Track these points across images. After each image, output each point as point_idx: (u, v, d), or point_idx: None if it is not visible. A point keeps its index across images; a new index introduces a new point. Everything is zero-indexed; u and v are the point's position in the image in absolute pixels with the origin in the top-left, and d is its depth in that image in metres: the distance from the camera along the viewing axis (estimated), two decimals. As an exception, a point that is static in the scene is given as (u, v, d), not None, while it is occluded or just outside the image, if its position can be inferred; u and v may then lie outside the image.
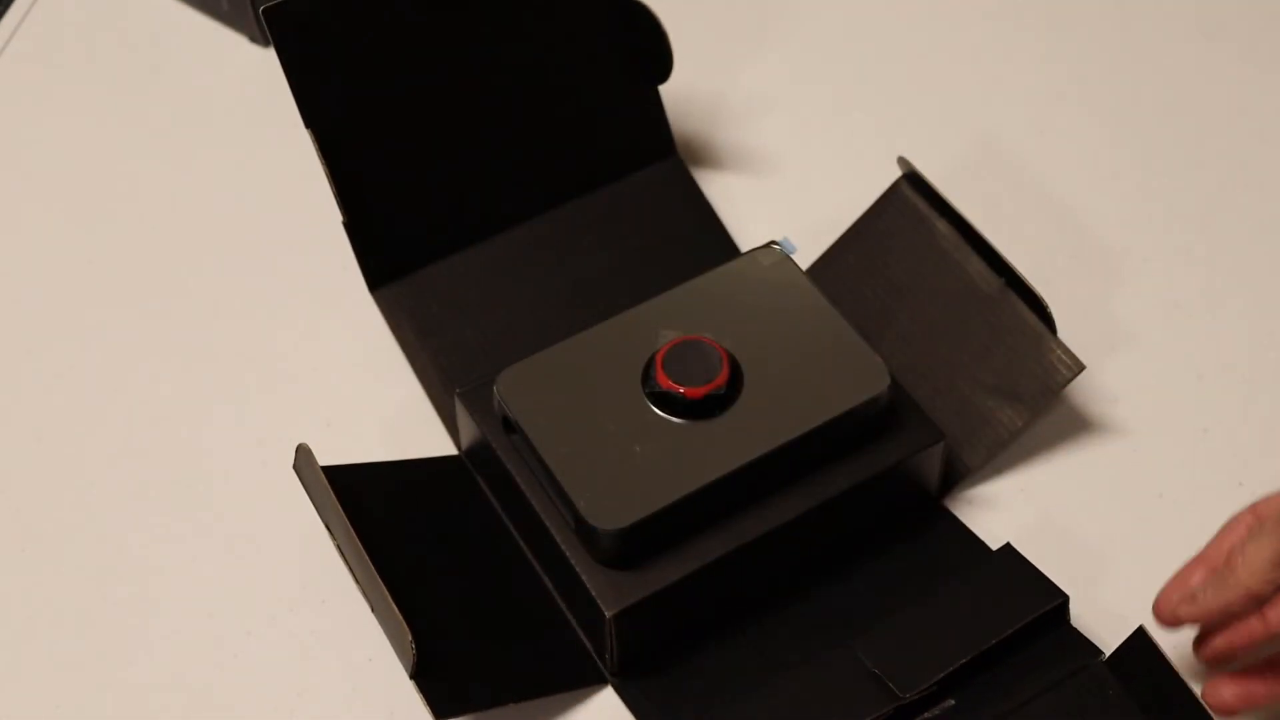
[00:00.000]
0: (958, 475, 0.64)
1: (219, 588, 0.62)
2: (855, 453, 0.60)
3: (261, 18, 0.63)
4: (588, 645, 0.59)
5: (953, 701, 0.55)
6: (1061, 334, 0.63)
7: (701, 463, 0.57)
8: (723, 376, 0.59)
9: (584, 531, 0.56)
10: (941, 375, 0.65)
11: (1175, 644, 0.56)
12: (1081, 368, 0.62)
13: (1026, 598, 0.57)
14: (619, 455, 0.57)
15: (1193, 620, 0.54)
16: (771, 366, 0.60)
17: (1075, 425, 0.66)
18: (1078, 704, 0.55)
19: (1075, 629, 0.57)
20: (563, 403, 0.59)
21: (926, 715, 0.55)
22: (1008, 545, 0.59)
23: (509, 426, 0.60)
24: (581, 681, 0.58)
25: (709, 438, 0.58)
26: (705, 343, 0.60)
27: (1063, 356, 0.62)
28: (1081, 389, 0.66)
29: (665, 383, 0.58)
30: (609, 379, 0.60)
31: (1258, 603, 0.52)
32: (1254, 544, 0.52)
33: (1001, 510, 0.63)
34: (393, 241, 0.68)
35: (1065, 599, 0.57)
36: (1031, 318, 0.63)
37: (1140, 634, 0.54)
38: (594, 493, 0.56)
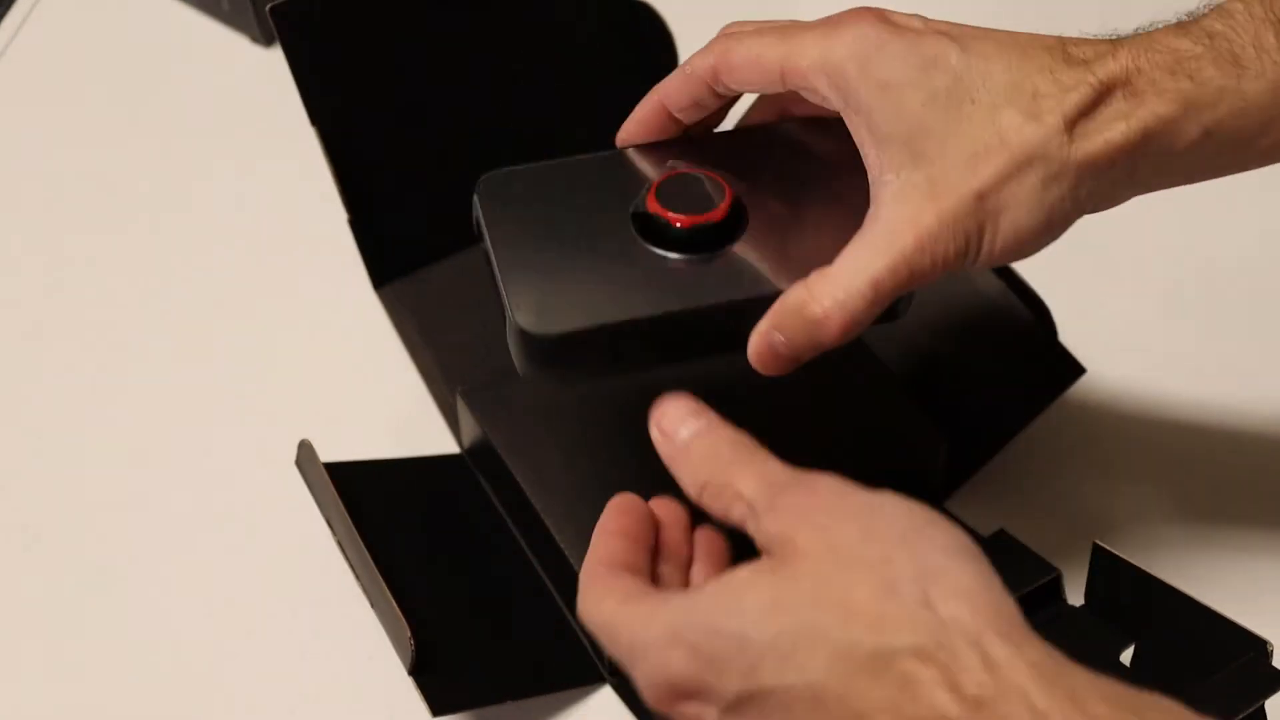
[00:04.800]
0: (958, 478, 0.64)
1: (219, 588, 0.62)
2: (855, 456, 0.59)
3: (267, 16, 0.63)
4: (586, 645, 0.59)
5: None
6: (1061, 333, 0.63)
7: (666, 294, 0.51)
8: (719, 211, 0.52)
9: (517, 337, 0.52)
10: (943, 377, 0.65)
11: (1145, 557, 0.55)
12: (1082, 371, 0.62)
13: (1018, 574, 0.56)
14: (579, 271, 0.52)
15: None
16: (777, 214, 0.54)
17: (1075, 427, 0.66)
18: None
19: (1073, 606, 0.57)
20: (540, 215, 0.54)
21: None
22: (1000, 530, 0.59)
23: (477, 233, 0.55)
24: (580, 680, 0.58)
25: (688, 275, 0.52)
26: (711, 177, 0.53)
27: (1063, 360, 0.62)
28: (1080, 389, 0.66)
29: (654, 208, 0.52)
30: (599, 202, 0.54)
31: None
32: None
33: (1001, 512, 0.63)
34: (397, 239, 0.68)
35: (1058, 573, 0.57)
36: (1032, 320, 0.63)
37: (1098, 551, 0.54)
38: (536, 300, 0.51)
